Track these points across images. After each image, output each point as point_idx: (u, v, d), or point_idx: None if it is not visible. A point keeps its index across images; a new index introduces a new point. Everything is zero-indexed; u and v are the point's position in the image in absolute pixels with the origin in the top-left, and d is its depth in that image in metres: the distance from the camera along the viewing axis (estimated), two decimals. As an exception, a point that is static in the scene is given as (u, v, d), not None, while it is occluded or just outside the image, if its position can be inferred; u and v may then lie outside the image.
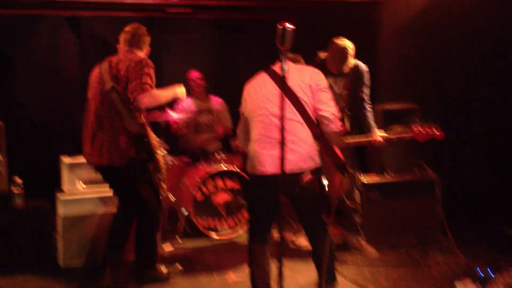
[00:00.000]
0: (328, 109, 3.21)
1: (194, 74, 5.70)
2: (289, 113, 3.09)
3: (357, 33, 5.57)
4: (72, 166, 4.38)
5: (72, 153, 4.52)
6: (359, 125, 4.45)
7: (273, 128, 3.14)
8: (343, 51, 4.32)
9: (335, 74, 4.41)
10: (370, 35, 5.58)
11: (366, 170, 4.90)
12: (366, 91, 4.44)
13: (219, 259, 4.50)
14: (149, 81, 3.57)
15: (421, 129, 4.27)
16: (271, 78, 3.26)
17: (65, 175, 4.37)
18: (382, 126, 4.55)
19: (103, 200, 4.34)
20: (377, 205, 4.66)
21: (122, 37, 3.88)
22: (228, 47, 6.38)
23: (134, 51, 3.82)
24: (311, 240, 3.35)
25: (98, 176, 4.06)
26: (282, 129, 2.56)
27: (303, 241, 4.73)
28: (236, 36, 6.34)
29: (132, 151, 3.65)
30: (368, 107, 4.43)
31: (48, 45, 5.65)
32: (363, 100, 4.42)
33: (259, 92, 3.27)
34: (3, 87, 5.53)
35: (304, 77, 3.24)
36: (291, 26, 2.48)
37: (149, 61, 3.67)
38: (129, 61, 3.67)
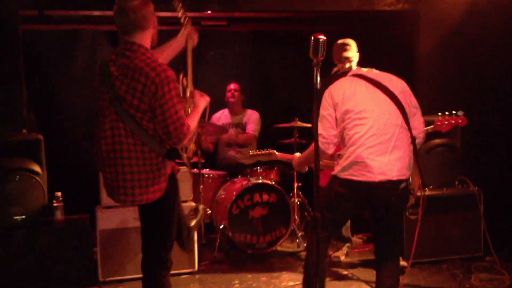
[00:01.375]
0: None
1: (232, 85, 5.72)
2: (395, 118, 3.08)
3: (396, 43, 5.52)
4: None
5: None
6: None
7: (381, 132, 3.06)
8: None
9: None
10: (410, 45, 5.48)
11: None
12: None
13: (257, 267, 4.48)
14: (182, 113, 2.71)
15: (442, 120, 4.17)
16: (368, 83, 3.18)
17: (104, 189, 4.40)
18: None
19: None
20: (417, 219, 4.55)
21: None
22: (264, 59, 6.37)
23: (137, 41, 2.80)
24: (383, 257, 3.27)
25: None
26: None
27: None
28: (273, 48, 6.33)
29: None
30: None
31: (87, 59, 5.74)
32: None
33: (358, 94, 3.14)
34: (43, 101, 5.63)
35: (397, 85, 3.22)
36: (324, 37, 2.45)
37: (173, 74, 2.72)
38: (139, 72, 2.68)
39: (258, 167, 5.30)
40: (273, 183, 4.97)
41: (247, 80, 6.15)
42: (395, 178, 3.02)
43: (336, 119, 3.17)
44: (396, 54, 5.56)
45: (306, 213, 5.43)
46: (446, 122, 4.17)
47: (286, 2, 5.21)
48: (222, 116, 5.85)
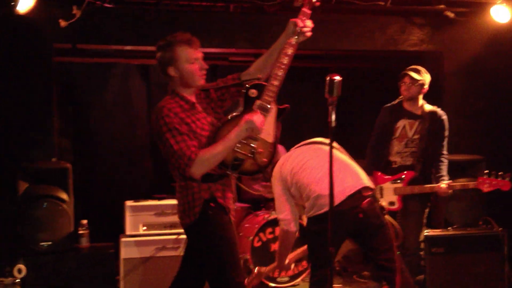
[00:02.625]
0: None
1: None
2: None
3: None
4: (135, 210, 4.51)
5: (138, 197, 4.66)
6: (426, 173, 4.33)
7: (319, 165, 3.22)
8: (415, 84, 4.30)
9: (411, 115, 4.35)
10: (435, 83, 5.53)
11: (430, 224, 4.77)
12: (446, 142, 4.36)
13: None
14: (179, 146, 2.63)
15: (487, 180, 4.15)
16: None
17: (128, 218, 4.50)
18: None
19: (164, 242, 4.43)
20: (440, 259, 4.51)
21: None
22: (293, 95, 6.47)
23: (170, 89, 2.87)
24: None
25: (160, 220, 4.16)
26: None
27: None
28: (301, 84, 6.44)
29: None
30: (445, 159, 4.32)
31: (120, 91, 5.92)
32: (441, 151, 4.32)
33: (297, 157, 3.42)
34: (76, 131, 5.80)
35: None
36: (339, 78, 2.54)
37: (165, 109, 2.67)
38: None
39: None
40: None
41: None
42: (352, 191, 3.10)
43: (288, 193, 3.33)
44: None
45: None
46: (489, 183, 4.16)
47: (315, 41, 5.30)
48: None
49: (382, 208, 3.31)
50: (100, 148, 5.83)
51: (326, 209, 3.04)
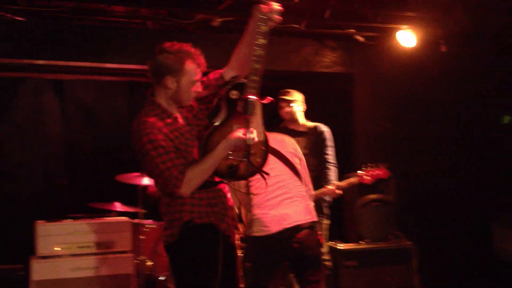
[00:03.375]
0: None
1: None
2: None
3: (333, 104, 5.84)
4: (47, 230, 4.34)
5: (52, 217, 4.49)
6: (318, 184, 4.41)
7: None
8: (290, 104, 4.54)
9: (296, 133, 4.53)
10: (347, 103, 5.81)
11: (342, 238, 4.95)
12: (330, 151, 4.57)
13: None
14: (166, 165, 2.47)
15: (366, 172, 4.37)
16: None
17: (40, 239, 4.31)
18: (358, 191, 4.67)
19: (77, 263, 4.28)
20: (353, 272, 4.68)
21: None
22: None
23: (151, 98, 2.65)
24: None
25: (73, 240, 4.02)
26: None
27: None
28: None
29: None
30: (331, 166, 4.52)
31: (31, 107, 5.68)
32: (327, 160, 4.53)
33: None
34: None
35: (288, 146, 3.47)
36: (254, 97, 2.53)
37: (148, 124, 2.50)
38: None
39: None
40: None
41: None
42: (291, 225, 3.20)
43: None
44: (335, 110, 5.84)
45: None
46: (369, 174, 4.37)
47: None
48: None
49: (319, 241, 3.40)
50: (10, 166, 5.56)
51: (264, 233, 3.18)
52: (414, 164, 5.58)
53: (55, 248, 4.32)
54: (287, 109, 4.58)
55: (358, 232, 5.00)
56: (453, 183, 5.60)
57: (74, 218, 4.50)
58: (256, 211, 3.23)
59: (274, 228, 3.18)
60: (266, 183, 2.78)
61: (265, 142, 2.67)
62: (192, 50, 2.60)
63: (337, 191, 4.34)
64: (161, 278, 4.83)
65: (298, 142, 4.45)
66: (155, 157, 2.46)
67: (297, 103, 4.60)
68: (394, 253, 4.82)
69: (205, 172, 2.53)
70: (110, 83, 5.74)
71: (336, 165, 4.56)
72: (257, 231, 3.22)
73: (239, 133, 2.53)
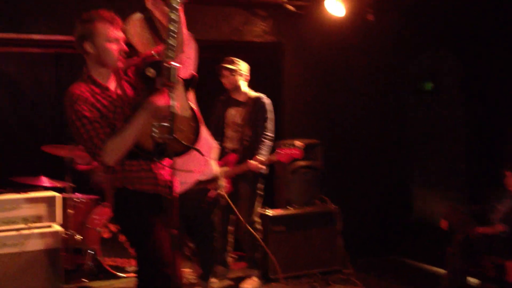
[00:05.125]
0: None
1: None
2: None
3: (263, 73, 5.89)
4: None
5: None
6: (252, 155, 4.52)
7: None
8: (233, 73, 4.55)
9: (237, 103, 4.59)
10: (275, 74, 5.87)
11: (272, 204, 5.08)
12: (269, 124, 4.60)
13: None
14: (89, 134, 2.53)
15: (283, 151, 4.47)
16: None
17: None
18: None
19: (4, 239, 4.24)
20: (282, 237, 4.83)
21: None
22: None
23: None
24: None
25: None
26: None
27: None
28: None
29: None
30: (266, 140, 4.55)
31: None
32: (263, 132, 4.56)
33: None
34: None
35: None
36: (176, 64, 2.53)
37: (74, 96, 2.54)
38: None
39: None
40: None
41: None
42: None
43: None
44: (265, 80, 5.90)
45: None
46: (284, 153, 4.47)
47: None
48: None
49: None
50: None
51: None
52: (339, 130, 5.75)
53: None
54: (230, 78, 4.57)
55: (287, 198, 5.14)
56: (375, 147, 5.82)
57: (-1, 193, 4.41)
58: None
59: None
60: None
61: (194, 117, 2.65)
62: (103, 12, 2.62)
63: (260, 166, 4.44)
64: (89, 251, 4.84)
65: (238, 112, 4.57)
66: (79, 127, 2.53)
67: (240, 72, 4.59)
68: (320, 217, 5.01)
69: (126, 141, 2.53)
70: (35, 54, 5.59)
71: (271, 137, 4.60)
72: None
73: (158, 99, 2.51)
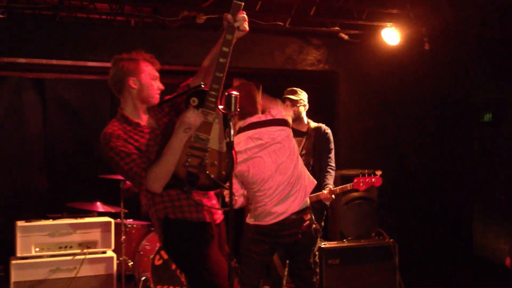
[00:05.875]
0: None
1: None
2: None
3: (317, 102, 5.85)
4: (26, 230, 4.30)
5: (32, 217, 4.45)
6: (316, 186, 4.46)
7: None
8: (296, 104, 4.48)
9: (298, 133, 4.52)
10: (329, 104, 5.81)
11: (326, 236, 4.95)
12: (332, 154, 4.54)
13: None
14: (129, 166, 2.57)
15: (361, 179, 4.38)
16: None
17: (19, 239, 4.28)
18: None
19: (58, 264, 4.25)
20: (336, 270, 4.68)
21: None
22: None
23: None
24: None
25: (54, 240, 3.99)
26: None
27: None
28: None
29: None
30: (331, 170, 4.50)
31: (12, 106, 5.63)
32: (328, 163, 4.50)
33: None
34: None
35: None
36: (236, 93, 2.56)
37: (107, 134, 2.60)
38: None
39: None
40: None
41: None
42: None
43: None
44: (319, 109, 5.85)
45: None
46: (363, 181, 4.38)
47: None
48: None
49: (316, 230, 3.53)
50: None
51: (266, 223, 3.36)
52: (395, 161, 5.60)
53: (35, 249, 4.29)
54: (293, 108, 4.50)
55: (342, 231, 5.01)
56: (434, 179, 5.62)
57: (54, 218, 4.45)
58: (265, 202, 3.38)
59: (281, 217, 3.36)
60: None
61: (229, 153, 2.58)
62: (142, 52, 2.74)
63: (333, 196, 4.37)
64: (142, 278, 4.80)
65: (299, 143, 4.53)
66: (119, 161, 2.58)
67: (303, 103, 4.54)
68: (376, 251, 4.82)
69: (166, 166, 2.57)
70: (92, 81, 5.70)
71: (334, 168, 4.53)
72: (261, 220, 3.38)
73: (184, 116, 2.55)
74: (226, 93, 2.58)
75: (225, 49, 2.55)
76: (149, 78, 2.70)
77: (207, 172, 2.59)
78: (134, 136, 2.65)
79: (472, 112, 5.79)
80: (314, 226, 3.52)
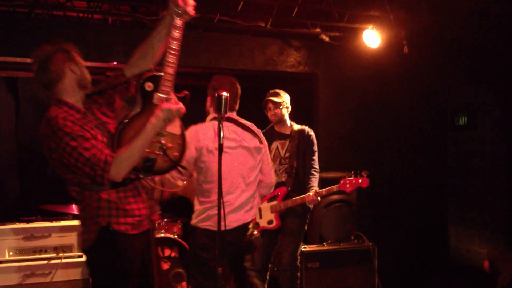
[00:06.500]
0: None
1: None
2: None
3: (298, 104, 5.83)
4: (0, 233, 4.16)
5: (3, 220, 4.31)
6: (299, 189, 4.43)
7: None
8: (278, 106, 4.46)
9: (281, 136, 4.49)
10: (309, 105, 5.79)
11: (306, 240, 4.93)
12: (315, 156, 4.52)
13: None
14: (90, 152, 2.42)
15: (347, 180, 4.36)
16: None
17: (-7, 243, 4.14)
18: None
19: (33, 268, 4.13)
20: (316, 274, 4.67)
21: None
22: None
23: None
24: None
25: (29, 244, 3.88)
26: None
27: None
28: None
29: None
30: (315, 172, 4.47)
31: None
32: (311, 165, 4.47)
33: None
34: None
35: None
36: (226, 94, 2.57)
37: (60, 120, 2.44)
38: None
39: (162, 221, 5.21)
40: (175, 237, 4.91)
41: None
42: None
43: None
44: (299, 111, 5.82)
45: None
46: (349, 183, 4.35)
47: (196, 58, 5.35)
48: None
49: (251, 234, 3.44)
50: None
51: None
52: (374, 164, 5.61)
53: (9, 253, 4.15)
54: (276, 110, 4.48)
55: (321, 234, 4.99)
56: (410, 182, 5.66)
57: (28, 221, 4.32)
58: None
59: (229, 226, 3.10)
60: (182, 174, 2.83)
61: (182, 136, 2.64)
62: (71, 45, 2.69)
63: (318, 199, 4.34)
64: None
65: (283, 145, 4.52)
66: (77, 147, 2.42)
67: (284, 105, 4.50)
68: (356, 254, 4.84)
69: (136, 153, 2.48)
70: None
71: (318, 170, 4.50)
72: (213, 225, 3.12)
73: (169, 105, 2.52)
74: (217, 95, 2.59)
75: (176, 34, 2.58)
76: (84, 67, 2.66)
77: (168, 154, 2.57)
78: (85, 126, 2.53)
79: (449, 115, 5.84)
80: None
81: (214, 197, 3.11)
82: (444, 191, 5.77)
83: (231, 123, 3.35)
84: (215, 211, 2.82)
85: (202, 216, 3.25)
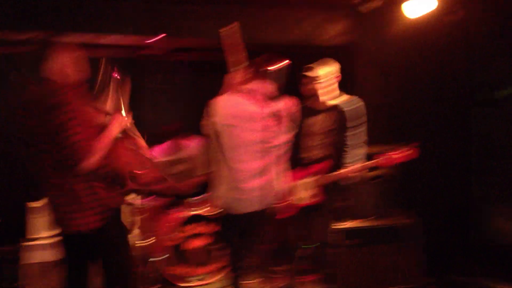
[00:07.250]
0: None
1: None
2: None
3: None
4: (36, 211, 4.20)
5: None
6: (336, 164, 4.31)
7: None
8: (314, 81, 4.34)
9: (315, 112, 4.37)
10: (348, 78, 5.60)
11: (345, 216, 4.78)
12: (349, 132, 4.34)
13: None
14: (79, 136, 2.69)
15: (391, 154, 4.19)
16: None
17: (30, 221, 4.19)
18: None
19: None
20: (357, 251, 4.52)
21: None
22: (204, 88, 6.34)
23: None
24: None
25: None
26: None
27: None
28: (214, 78, 6.33)
29: None
30: (348, 149, 4.32)
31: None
32: (346, 142, 4.33)
33: None
34: None
35: None
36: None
37: (66, 91, 2.70)
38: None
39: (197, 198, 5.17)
40: (210, 214, 4.87)
41: (188, 110, 6.08)
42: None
43: None
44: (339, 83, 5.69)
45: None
46: (395, 155, 4.17)
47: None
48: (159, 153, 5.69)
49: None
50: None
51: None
52: (414, 137, 5.38)
53: (45, 230, 4.20)
54: (308, 86, 4.38)
55: (361, 210, 4.83)
56: (440, 159, 5.39)
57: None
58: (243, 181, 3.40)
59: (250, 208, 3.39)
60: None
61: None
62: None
63: (351, 175, 4.21)
64: (150, 260, 4.70)
65: (316, 121, 4.39)
66: (70, 120, 2.65)
67: (319, 79, 4.37)
68: (399, 230, 4.64)
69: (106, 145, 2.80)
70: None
71: (357, 146, 4.33)
72: (235, 209, 3.41)
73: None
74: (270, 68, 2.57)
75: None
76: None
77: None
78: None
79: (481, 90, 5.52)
80: None
81: None
82: (471, 168, 5.49)
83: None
84: None
85: None
